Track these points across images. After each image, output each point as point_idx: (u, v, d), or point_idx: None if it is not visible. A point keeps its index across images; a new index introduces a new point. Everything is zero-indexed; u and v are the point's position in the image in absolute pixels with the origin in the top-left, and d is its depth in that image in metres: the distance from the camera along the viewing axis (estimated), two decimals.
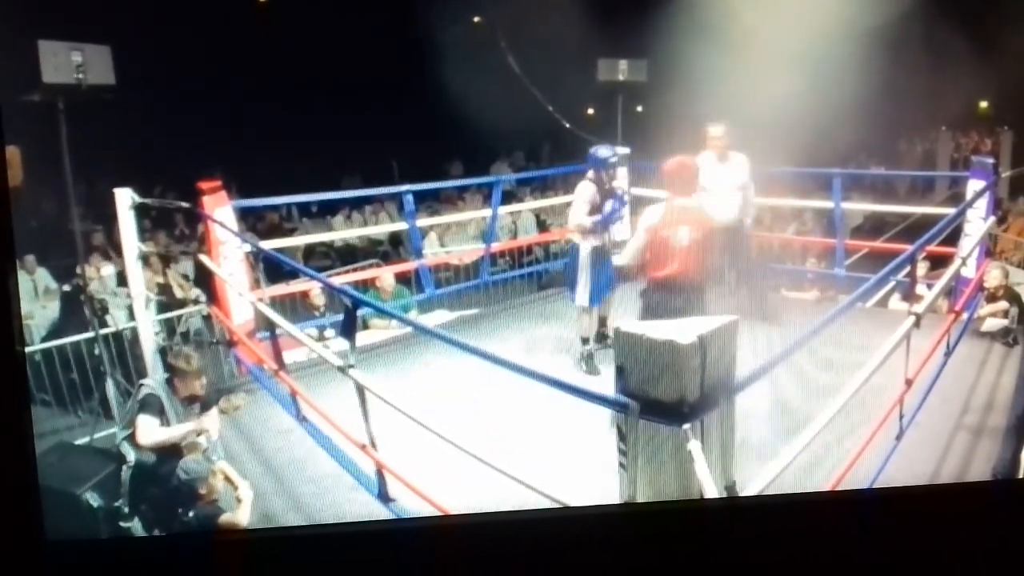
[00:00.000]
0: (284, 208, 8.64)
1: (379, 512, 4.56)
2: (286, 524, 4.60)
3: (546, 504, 3.87)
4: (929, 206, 7.73)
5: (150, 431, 4.78)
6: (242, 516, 4.66)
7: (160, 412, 4.83)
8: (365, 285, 7.26)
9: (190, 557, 4.14)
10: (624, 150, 6.99)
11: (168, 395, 4.87)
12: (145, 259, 6.10)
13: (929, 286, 6.09)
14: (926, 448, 4.95)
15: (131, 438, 4.82)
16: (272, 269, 6.46)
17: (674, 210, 5.45)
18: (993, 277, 6.64)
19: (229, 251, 6.33)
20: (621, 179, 6.99)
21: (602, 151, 6.45)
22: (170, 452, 4.82)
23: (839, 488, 4.37)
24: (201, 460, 4.78)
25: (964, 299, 6.50)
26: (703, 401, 3.25)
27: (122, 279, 6.37)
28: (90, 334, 5.84)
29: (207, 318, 6.64)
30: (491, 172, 9.57)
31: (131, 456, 4.79)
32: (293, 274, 6.69)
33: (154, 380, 4.99)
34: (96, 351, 5.84)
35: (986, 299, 6.64)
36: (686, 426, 3.21)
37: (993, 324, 6.48)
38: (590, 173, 6.42)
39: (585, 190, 6.34)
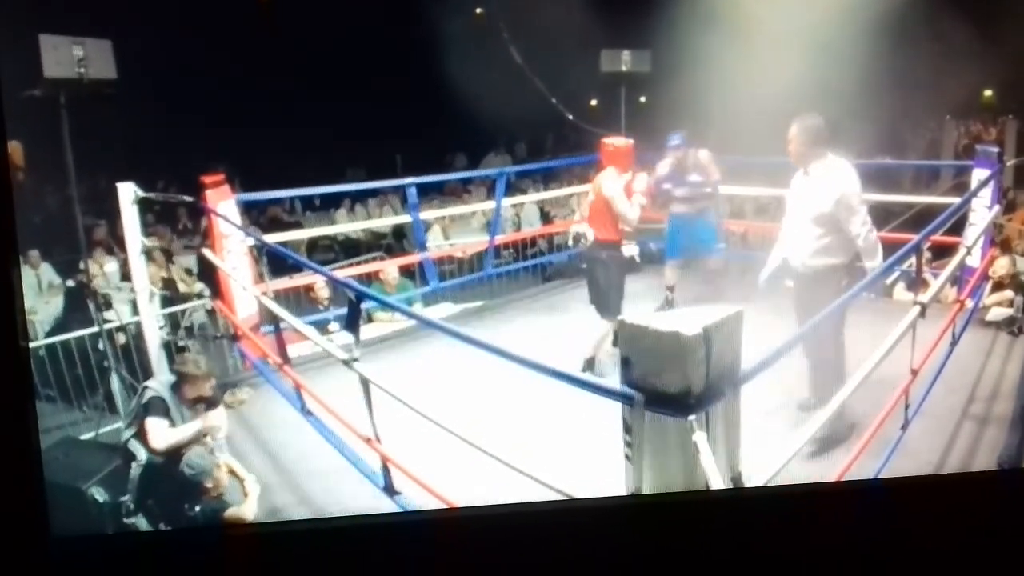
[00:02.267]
0: (287, 202, 8.66)
1: (385, 505, 4.56)
2: (292, 518, 4.61)
3: (552, 496, 3.86)
4: (934, 195, 7.72)
5: (163, 434, 4.78)
6: (248, 510, 4.67)
7: (166, 413, 4.83)
8: (369, 278, 7.27)
9: (196, 552, 4.13)
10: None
11: (173, 397, 4.86)
12: (148, 254, 6.09)
13: (934, 275, 6.08)
14: (932, 438, 4.94)
15: (139, 437, 4.81)
16: (276, 263, 6.47)
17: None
18: (1001, 265, 6.64)
19: (233, 245, 6.34)
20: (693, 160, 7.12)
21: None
22: (180, 449, 4.83)
23: (845, 478, 4.36)
24: (205, 455, 4.79)
25: (969, 288, 6.49)
26: (708, 392, 3.23)
27: (125, 274, 6.38)
28: (94, 329, 5.85)
29: (211, 312, 6.65)
30: (482, 165, 9.60)
31: (141, 454, 4.78)
32: (297, 268, 6.69)
33: (158, 382, 4.97)
34: (100, 346, 5.84)
35: (992, 288, 6.63)
36: (692, 417, 3.19)
37: (998, 313, 6.47)
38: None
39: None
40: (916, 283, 5.20)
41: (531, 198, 9.08)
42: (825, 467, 4.53)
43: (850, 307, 4.67)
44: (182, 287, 6.90)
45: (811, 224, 4.93)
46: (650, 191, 6.13)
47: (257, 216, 8.36)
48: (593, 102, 9.42)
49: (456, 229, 8.79)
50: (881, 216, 7.55)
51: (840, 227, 4.87)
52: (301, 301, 6.89)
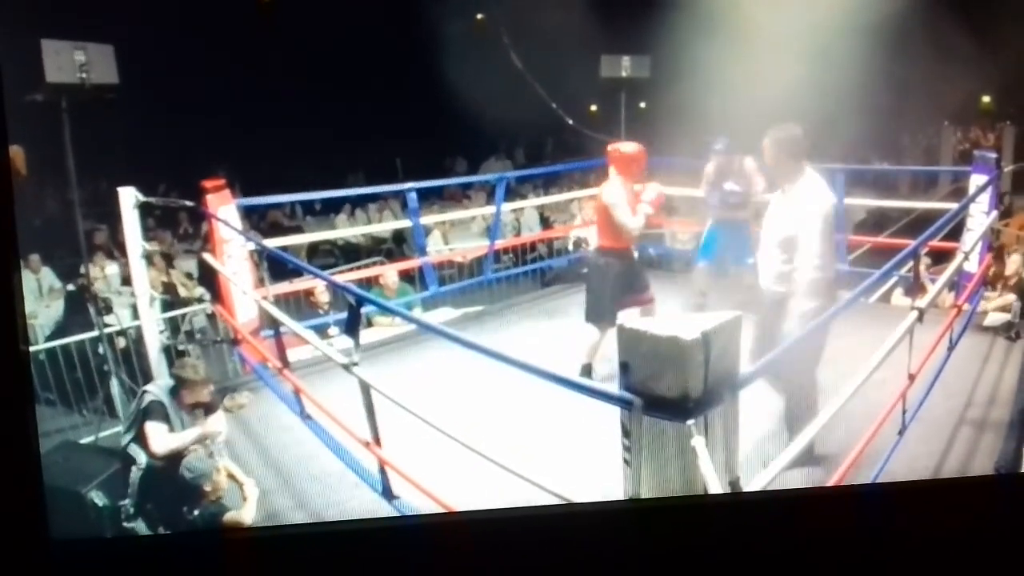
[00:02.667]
0: (288, 206, 8.66)
1: (383, 509, 4.56)
2: (290, 522, 4.61)
3: (550, 500, 3.87)
4: (932, 201, 7.73)
5: (163, 439, 4.79)
6: (247, 514, 4.68)
7: (165, 418, 4.84)
8: (369, 283, 7.27)
9: (196, 555, 4.14)
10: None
11: (172, 402, 4.87)
12: (149, 258, 6.10)
13: (932, 281, 6.08)
14: (929, 443, 4.95)
15: (138, 441, 4.82)
16: (276, 267, 6.47)
17: None
18: (1013, 262, 6.64)
19: (233, 249, 6.34)
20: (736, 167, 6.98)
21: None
22: (179, 454, 4.84)
23: (842, 483, 4.37)
24: (204, 458, 4.80)
25: (967, 293, 6.50)
26: (707, 397, 3.24)
27: (126, 278, 6.39)
28: (94, 333, 5.85)
29: (211, 317, 6.66)
30: (481, 170, 9.61)
31: (141, 458, 4.79)
32: (297, 272, 6.70)
33: (157, 386, 4.98)
34: (100, 350, 5.85)
35: (994, 283, 6.63)
36: (690, 422, 3.21)
37: (995, 319, 6.48)
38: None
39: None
40: (914, 288, 5.22)
41: (531, 203, 9.09)
42: (823, 471, 4.54)
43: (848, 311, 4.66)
44: (182, 291, 6.90)
45: (776, 247, 4.63)
46: (658, 202, 6.02)
47: (257, 221, 8.36)
48: (593, 107, 9.43)
49: (456, 234, 8.79)
50: (879, 221, 7.59)
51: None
52: (301, 305, 6.89)
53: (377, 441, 4.59)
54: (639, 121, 8.22)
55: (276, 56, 7.67)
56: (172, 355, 6.01)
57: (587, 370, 5.76)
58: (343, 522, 4.44)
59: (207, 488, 4.69)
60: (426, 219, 7.98)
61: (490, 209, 8.22)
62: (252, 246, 6.47)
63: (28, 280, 6.37)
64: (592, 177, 8.79)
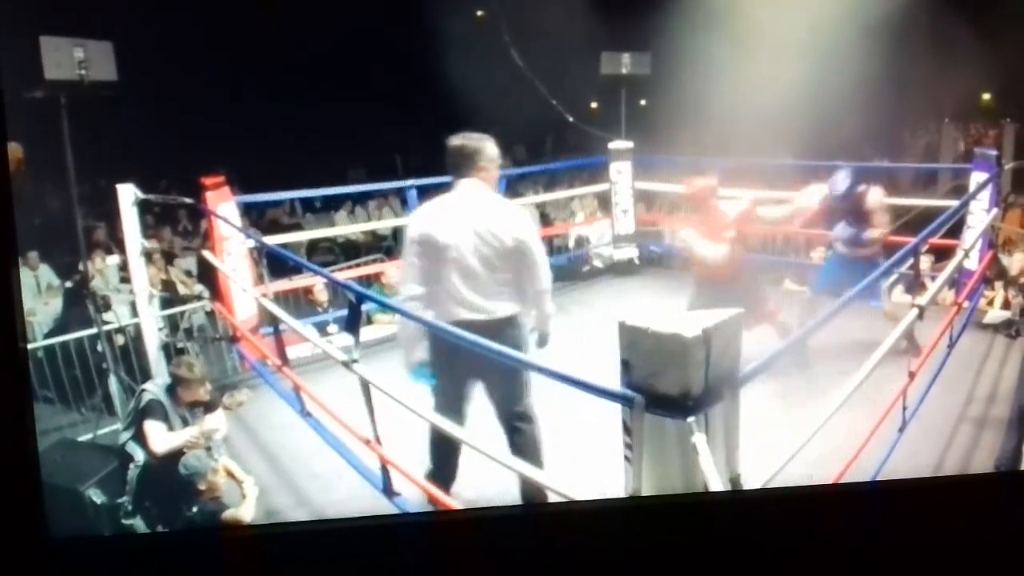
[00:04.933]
0: (287, 203, 8.64)
1: (384, 507, 4.56)
2: (290, 519, 4.61)
3: (551, 498, 3.87)
4: (932, 198, 7.72)
5: (162, 438, 4.78)
6: (246, 512, 4.67)
7: (164, 417, 4.83)
8: (369, 280, 7.25)
9: (194, 553, 4.14)
10: (627, 144, 6.94)
11: (170, 400, 4.86)
12: (148, 255, 6.09)
13: (933, 278, 6.07)
14: (929, 440, 4.95)
15: (137, 438, 4.81)
16: (275, 264, 6.46)
17: None
18: (1017, 260, 6.65)
19: (232, 247, 6.34)
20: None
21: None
22: (178, 451, 4.83)
23: (842, 480, 4.37)
24: (202, 456, 4.79)
25: (967, 291, 6.49)
26: (708, 394, 3.23)
27: (125, 276, 6.38)
28: (93, 331, 5.84)
29: (210, 314, 6.65)
30: None
31: (139, 456, 4.78)
32: (296, 269, 6.69)
33: (155, 384, 4.97)
34: (99, 348, 5.83)
35: (1007, 284, 6.63)
36: (691, 419, 3.19)
37: (995, 316, 6.48)
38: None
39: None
40: (914, 286, 5.22)
41: (531, 200, 9.07)
42: (823, 469, 4.53)
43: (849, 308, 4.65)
44: (182, 289, 6.89)
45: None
46: (745, 217, 5.76)
47: (257, 218, 8.35)
48: (593, 104, 9.42)
49: None
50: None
51: None
52: (300, 303, 6.88)
53: (377, 438, 4.58)
54: (639, 118, 8.21)
55: (276, 52, 7.66)
56: (171, 353, 6.00)
57: None
58: (343, 520, 4.43)
59: (202, 486, 4.68)
60: None
61: None
62: (251, 243, 6.46)
63: (26, 277, 6.34)
64: (591, 174, 8.80)
